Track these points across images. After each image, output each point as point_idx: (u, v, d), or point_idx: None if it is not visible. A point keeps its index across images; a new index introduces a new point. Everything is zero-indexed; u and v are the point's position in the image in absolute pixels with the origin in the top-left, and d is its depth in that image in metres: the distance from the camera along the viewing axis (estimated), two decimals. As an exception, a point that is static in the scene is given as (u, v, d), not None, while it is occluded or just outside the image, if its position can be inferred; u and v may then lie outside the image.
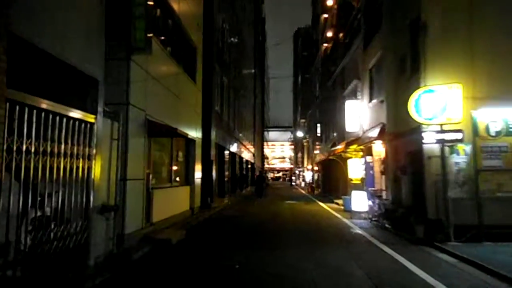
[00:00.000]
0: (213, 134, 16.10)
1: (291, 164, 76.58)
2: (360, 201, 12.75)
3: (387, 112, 11.42)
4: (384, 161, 12.51)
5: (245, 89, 32.12)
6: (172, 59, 10.22)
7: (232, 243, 8.04)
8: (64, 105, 4.65)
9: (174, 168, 10.90)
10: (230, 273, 5.61)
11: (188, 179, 12.45)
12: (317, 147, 31.18)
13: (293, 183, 53.99)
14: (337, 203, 17.92)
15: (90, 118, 5.30)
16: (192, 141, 12.63)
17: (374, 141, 12.24)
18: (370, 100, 13.87)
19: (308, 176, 42.68)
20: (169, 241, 7.61)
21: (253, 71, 38.39)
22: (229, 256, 6.69)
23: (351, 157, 17.80)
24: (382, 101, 12.06)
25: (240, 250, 7.18)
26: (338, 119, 20.25)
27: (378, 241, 8.22)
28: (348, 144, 15.29)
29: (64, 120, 4.67)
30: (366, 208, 12.48)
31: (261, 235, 9.25)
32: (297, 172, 59.33)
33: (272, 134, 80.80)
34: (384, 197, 11.65)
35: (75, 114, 4.92)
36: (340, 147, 17.06)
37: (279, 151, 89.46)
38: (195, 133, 12.81)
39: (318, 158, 29.52)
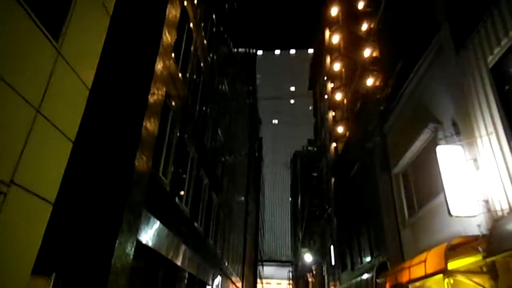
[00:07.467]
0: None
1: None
2: None
3: None
4: None
5: (235, 209, 24.24)
6: None
7: None
8: None
9: None
10: None
11: None
12: (332, 285, 20.96)
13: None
14: None
15: None
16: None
17: None
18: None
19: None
20: None
21: (245, 191, 31.18)
22: None
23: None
24: None
25: None
26: (386, 224, 11.44)
27: None
28: (455, 251, 6.32)
29: None
30: None
31: None
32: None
33: (267, 270, 67.66)
34: None
35: None
36: (417, 265, 7.83)
37: (276, 291, 73.75)
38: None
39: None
